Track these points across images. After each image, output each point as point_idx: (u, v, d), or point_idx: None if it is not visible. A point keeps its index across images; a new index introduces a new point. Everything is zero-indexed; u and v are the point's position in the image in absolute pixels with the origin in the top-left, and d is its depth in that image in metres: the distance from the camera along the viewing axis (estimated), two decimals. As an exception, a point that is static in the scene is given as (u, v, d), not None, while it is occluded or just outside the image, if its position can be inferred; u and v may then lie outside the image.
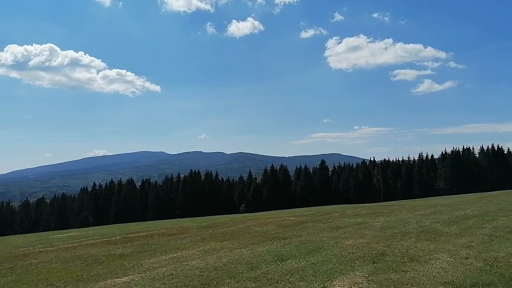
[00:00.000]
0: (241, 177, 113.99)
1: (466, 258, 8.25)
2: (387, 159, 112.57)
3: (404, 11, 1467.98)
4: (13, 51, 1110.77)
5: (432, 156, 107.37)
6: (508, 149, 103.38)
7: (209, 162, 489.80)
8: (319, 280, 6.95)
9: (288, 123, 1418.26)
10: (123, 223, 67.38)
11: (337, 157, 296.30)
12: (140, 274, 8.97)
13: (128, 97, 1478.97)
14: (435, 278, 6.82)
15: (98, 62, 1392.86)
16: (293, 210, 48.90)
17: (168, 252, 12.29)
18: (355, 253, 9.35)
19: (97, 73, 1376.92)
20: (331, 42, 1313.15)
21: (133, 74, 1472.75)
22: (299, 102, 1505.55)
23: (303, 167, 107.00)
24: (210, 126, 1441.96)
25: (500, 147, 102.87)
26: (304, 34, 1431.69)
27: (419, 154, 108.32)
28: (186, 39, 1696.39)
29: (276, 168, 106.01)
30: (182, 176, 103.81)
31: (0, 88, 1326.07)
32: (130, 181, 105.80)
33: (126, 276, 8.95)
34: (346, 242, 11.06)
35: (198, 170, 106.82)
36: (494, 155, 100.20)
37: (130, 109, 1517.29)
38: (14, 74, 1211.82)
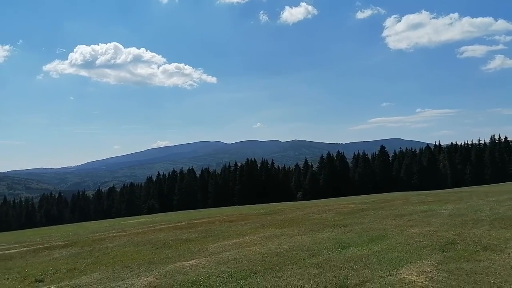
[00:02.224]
0: (297, 165, 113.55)
1: (550, 249, 7.56)
2: (454, 142, 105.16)
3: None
4: (82, 51, 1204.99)
5: (505, 138, 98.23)
6: None
7: (265, 150, 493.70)
8: (384, 268, 6.79)
9: (344, 108, 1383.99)
10: (185, 209, 70.76)
11: (398, 142, 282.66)
12: (206, 258, 9.42)
13: (187, 90, 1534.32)
14: (514, 269, 6.35)
15: (158, 58, 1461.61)
16: (352, 197, 47.87)
17: (230, 238, 12.74)
18: (422, 241, 8.97)
19: (158, 68, 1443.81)
20: (389, 21, 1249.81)
21: (191, 67, 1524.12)
22: (356, 87, 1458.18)
23: (361, 153, 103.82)
24: (265, 115, 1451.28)
25: None
26: (360, 15, 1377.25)
27: (491, 136, 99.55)
28: (240, 30, 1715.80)
29: (333, 155, 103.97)
30: (239, 164, 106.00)
31: (72, 86, 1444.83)
32: (191, 170, 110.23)
33: (193, 259, 9.46)
34: (412, 230, 10.64)
35: (254, 159, 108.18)
36: None
37: (189, 101, 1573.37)
38: (83, 73, 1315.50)
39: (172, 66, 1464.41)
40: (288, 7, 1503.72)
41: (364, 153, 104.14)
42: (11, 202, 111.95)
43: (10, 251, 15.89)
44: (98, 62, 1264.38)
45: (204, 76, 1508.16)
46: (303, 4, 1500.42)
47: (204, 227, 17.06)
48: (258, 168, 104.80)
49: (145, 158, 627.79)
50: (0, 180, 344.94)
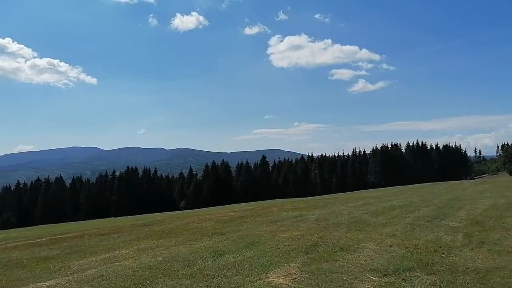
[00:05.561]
0: (181, 173, 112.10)
1: (390, 246, 8.88)
2: (324, 154, 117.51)
3: (344, 13, 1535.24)
4: None
5: (364, 151, 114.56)
6: (431, 145, 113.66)
7: (148, 158, 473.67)
8: (254, 273, 7.03)
9: (230, 119, 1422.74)
10: (50, 223, 62.80)
11: (278, 153, 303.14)
12: (66, 277, 8.37)
13: (60, 89, 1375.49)
14: (362, 266, 7.24)
15: (27, 50, 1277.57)
16: (233, 205, 49.09)
17: (98, 253, 11.64)
18: (290, 245, 9.61)
19: (25, 62, 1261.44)
20: (274, 40, 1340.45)
21: (67, 64, 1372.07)
22: (242, 98, 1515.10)
23: (244, 163, 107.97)
24: (150, 121, 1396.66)
25: (423, 143, 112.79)
26: (249, 31, 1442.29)
27: (353, 149, 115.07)
28: (127, 30, 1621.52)
29: (217, 163, 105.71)
30: (117, 173, 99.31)
31: None
32: (59, 179, 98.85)
33: (51, 279, 8.30)
34: (283, 235, 11.32)
35: (136, 167, 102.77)
36: (418, 150, 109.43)
37: (62, 102, 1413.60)
38: None
39: (43, 62, 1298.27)
40: (180, 14, 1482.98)
41: (246, 162, 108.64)
42: None
43: None
44: None
45: (83, 76, 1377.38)
46: (194, 14, 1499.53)
47: (69, 243, 15.26)
48: (140, 176, 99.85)
49: (3, 165, 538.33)
50: None
